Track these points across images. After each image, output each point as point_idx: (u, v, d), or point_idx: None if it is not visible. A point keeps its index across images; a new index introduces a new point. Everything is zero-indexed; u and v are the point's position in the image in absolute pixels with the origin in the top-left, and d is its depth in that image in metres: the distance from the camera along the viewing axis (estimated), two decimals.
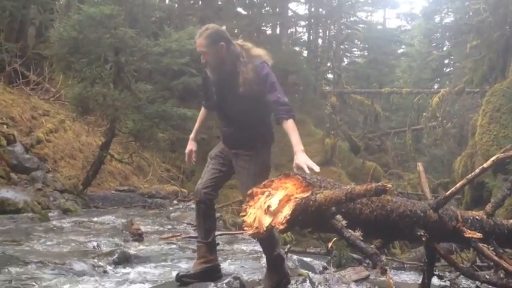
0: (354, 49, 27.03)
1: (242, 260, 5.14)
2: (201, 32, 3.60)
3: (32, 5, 15.96)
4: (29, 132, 11.11)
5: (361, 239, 2.72)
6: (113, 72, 9.98)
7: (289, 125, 3.45)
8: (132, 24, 9.99)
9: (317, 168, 3.17)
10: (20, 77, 13.38)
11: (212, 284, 3.41)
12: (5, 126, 9.58)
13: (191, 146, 4.09)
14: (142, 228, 6.36)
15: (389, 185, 2.66)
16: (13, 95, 12.20)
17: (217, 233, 6.51)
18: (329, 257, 5.99)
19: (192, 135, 4.15)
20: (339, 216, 2.82)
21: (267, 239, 3.56)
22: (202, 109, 4.15)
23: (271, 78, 3.54)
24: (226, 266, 4.53)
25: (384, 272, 2.60)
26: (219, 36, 3.57)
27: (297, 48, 25.49)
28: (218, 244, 3.94)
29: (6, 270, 4.10)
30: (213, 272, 3.73)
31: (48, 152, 10.98)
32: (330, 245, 5.59)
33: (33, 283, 3.79)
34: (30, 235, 5.66)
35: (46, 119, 12.17)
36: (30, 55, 14.41)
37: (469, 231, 3.61)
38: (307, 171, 3.16)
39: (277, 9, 22.46)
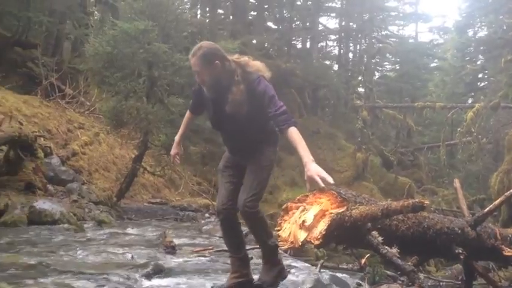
0: (385, 63, 26.84)
1: None
2: (195, 51, 3.53)
3: (67, 20, 16.40)
4: (64, 145, 11.35)
5: (398, 255, 2.70)
6: (146, 86, 10.14)
7: (292, 135, 3.32)
8: (165, 39, 10.15)
9: (330, 180, 3.02)
10: (56, 90, 13.72)
11: None
12: (42, 138, 9.80)
13: (176, 149, 4.21)
14: (175, 241, 6.41)
15: (426, 202, 2.64)
16: (50, 108, 12.50)
17: (249, 246, 6.54)
18: (362, 274, 5.92)
19: (177, 139, 4.23)
20: (374, 233, 2.82)
21: (261, 225, 3.57)
22: (188, 113, 4.16)
23: (269, 91, 3.47)
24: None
25: None
26: (213, 55, 3.50)
27: (328, 62, 25.49)
28: (251, 258, 3.94)
29: (44, 280, 4.19)
30: (246, 287, 3.72)
31: (83, 164, 11.18)
32: (363, 261, 5.55)
33: None
34: (66, 246, 5.76)
35: (81, 131, 12.42)
36: (66, 69, 14.78)
37: (508, 249, 3.55)
38: (321, 183, 3.01)
39: (308, 24, 22.53)
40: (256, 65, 3.61)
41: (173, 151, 4.21)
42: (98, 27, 15.42)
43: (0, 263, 4.74)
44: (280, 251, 3.83)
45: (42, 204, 7.36)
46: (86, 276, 4.30)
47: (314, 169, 3.09)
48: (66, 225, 6.98)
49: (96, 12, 19.91)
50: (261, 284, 3.67)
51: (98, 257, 5.33)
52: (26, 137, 8.39)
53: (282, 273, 3.75)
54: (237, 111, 3.47)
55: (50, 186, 8.82)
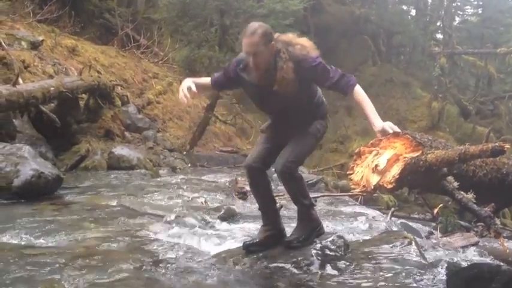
0: (466, 7, 25.32)
1: (343, 221, 5.13)
2: (252, 30, 3.22)
3: None
4: (140, 94, 11.70)
5: (474, 201, 2.62)
6: (218, 35, 10.19)
7: (357, 96, 3.22)
8: None
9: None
10: (132, 41, 14.05)
11: (317, 241, 3.43)
12: (119, 87, 10.14)
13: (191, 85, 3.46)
14: (246, 187, 6.53)
15: (507, 146, 2.51)
16: (125, 58, 12.86)
17: (319, 194, 6.58)
18: (434, 224, 5.81)
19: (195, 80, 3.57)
20: (450, 178, 2.74)
21: (298, 186, 3.42)
22: (208, 81, 3.67)
23: (318, 63, 3.26)
24: (328, 225, 4.54)
25: (497, 236, 2.50)
26: (271, 35, 3.25)
27: (404, 7, 24.38)
28: (281, 207, 3.76)
29: (123, 220, 4.42)
30: (278, 238, 3.64)
31: (158, 113, 11.51)
32: (436, 211, 5.42)
33: (147, 232, 4.06)
34: (144, 190, 6.02)
35: (155, 81, 12.73)
36: (140, 20, 15.06)
37: None
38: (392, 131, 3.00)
39: None
40: (302, 43, 3.35)
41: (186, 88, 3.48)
42: None
43: (83, 204, 5.04)
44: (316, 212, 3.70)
45: (121, 150, 7.69)
46: (162, 218, 4.50)
47: (383, 123, 3.06)
48: (142, 171, 7.28)
49: None
50: (293, 239, 3.50)
51: (173, 201, 5.54)
52: (105, 86, 8.72)
53: (316, 229, 3.58)
54: (287, 90, 3.26)
55: (127, 134, 9.18)
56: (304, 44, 3.34)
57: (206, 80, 3.71)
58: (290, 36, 3.38)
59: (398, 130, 2.99)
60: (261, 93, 3.41)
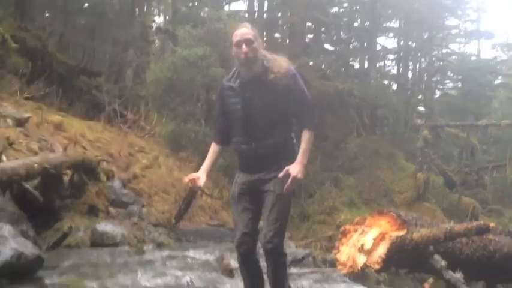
0: (446, 81, 26.07)
1: None
2: (244, 24, 3.63)
3: (130, 49, 17.03)
4: (126, 168, 11.62)
5: (463, 281, 2.57)
6: (204, 110, 10.33)
7: (307, 137, 3.39)
8: (223, 63, 10.32)
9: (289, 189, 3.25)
10: (119, 116, 14.17)
11: None
12: (104, 163, 10.08)
13: (201, 175, 3.78)
14: (233, 264, 6.39)
15: (491, 224, 2.51)
16: (112, 133, 12.90)
17: (307, 270, 6.44)
18: None
19: (204, 168, 3.86)
20: (437, 256, 2.70)
21: (283, 265, 3.39)
22: (214, 146, 3.95)
23: (301, 81, 3.52)
24: None
25: None
26: (258, 35, 3.59)
27: (386, 82, 25.08)
28: None
29: None
30: None
31: (143, 187, 11.38)
32: (426, 286, 5.32)
33: None
34: (127, 268, 5.86)
35: (142, 155, 12.70)
36: (128, 96, 15.28)
37: None
38: (288, 185, 3.23)
39: (365, 44, 22.31)
40: (283, 58, 3.64)
41: (196, 175, 3.81)
42: (159, 55, 15.94)
43: (63, 285, 4.87)
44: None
45: (104, 226, 7.54)
46: None
47: (295, 170, 3.28)
48: (126, 247, 7.11)
49: (157, 40, 20.56)
50: None
51: (158, 280, 5.39)
52: (90, 162, 8.66)
53: None
54: (280, 81, 3.42)
55: (111, 209, 9.02)
56: (285, 60, 3.62)
57: (211, 154, 3.97)
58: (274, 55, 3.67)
59: (290, 188, 3.21)
60: (245, 94, 3.50)
